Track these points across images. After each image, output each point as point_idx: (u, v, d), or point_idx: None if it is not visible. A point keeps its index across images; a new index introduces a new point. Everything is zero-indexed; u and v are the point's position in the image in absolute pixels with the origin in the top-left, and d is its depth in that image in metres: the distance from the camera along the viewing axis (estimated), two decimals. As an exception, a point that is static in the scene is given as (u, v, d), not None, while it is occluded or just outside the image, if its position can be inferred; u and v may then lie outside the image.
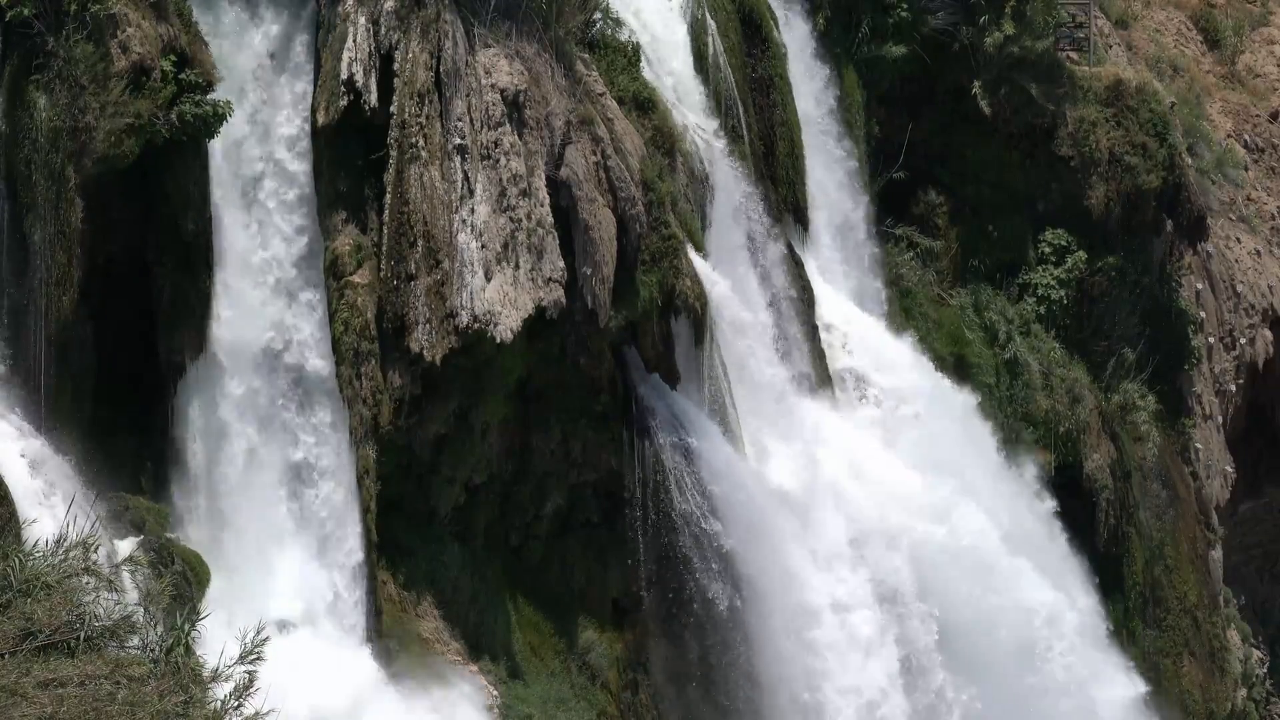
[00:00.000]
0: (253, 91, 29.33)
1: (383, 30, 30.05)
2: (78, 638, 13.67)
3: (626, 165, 32.37)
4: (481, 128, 30.60)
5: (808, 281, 38.44)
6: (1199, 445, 48.36)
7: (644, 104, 34.71)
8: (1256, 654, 51.26)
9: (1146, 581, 45.40)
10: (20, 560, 14.45)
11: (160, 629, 14.21)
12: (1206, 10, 57.32)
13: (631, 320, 32.88)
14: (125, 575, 19.08)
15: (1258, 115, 55.87)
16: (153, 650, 14.00)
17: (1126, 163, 45.28)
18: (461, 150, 30.33)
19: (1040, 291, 44.63)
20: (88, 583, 14.51)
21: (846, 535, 36.17)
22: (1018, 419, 42.99)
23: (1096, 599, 42.15)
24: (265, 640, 13.54)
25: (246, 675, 13.28)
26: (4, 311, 26.44)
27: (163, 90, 26.69)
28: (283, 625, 28.14)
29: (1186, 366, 47.45)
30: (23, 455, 25.57)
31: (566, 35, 32.40)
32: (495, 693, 30.92)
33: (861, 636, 35.62)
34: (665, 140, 34.94)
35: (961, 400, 41.61)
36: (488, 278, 30.16)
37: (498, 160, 30.64)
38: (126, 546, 25.75)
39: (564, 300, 30.93)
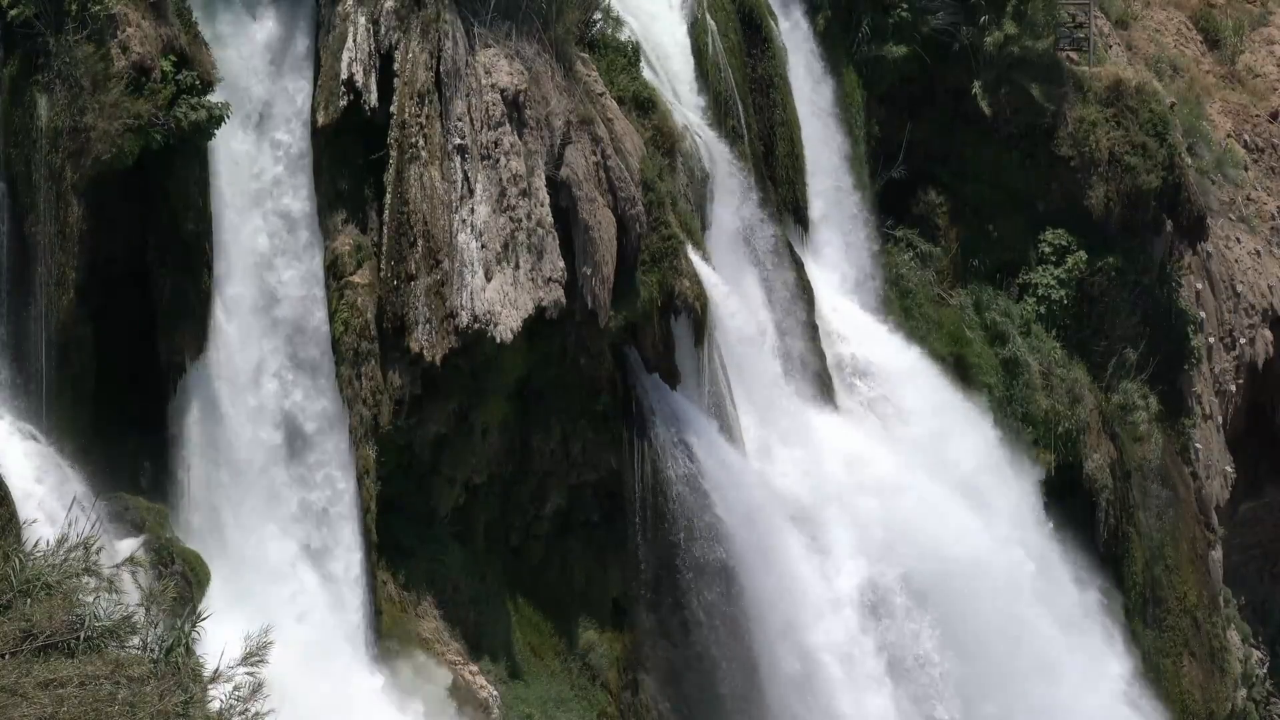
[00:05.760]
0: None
1: (383, 30, 30.05)
2: (78, 638, 13.67)
3: (626, 165, 32.37)
4: (481, 128, 30.60)
5: (807, 281, 38.44)
6: (1199, 445, 48.33)
7: (644, 104, 34.72)
8: (1256, 654, 51.24)
9: (1146, 581, 45.38)
10: (21, 561, 14.45)
11: (160, 629, 14.20)
12: (1206, 10, 57.28)
13: (631, 320, 32.88)
14: (125, 576, 19.06)
15: (1258, 115, 55.84)
16: (153, 650, 13.99)
17: (1126, 163, 45.26)
18: (461, 150, 30.33)
19: (1040, 291, 44.62)
20: (88, 583, 14.50)
21: (846, 535, 36.17)
22: (1018, 419, 42.98)
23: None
24: (270, 644, 13.53)
25: (252, 678, 13.26)
26: (4, 311, 26.43)
27: (162, 91, 26.70)
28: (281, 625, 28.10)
29: (1186, 366, 47.43)
30: (23, 455, 25.55)
31: (566, 35, 32.40)
32: (495, 693, 30.92)
33: (860, 637, 35.63)
34: (665, 140, 34.95)
35: (962, 400, 41.64)
36: (488, 278, 30.16)
37: (498, 160, 30.64)
38: (126, 547, 25.72)
39: (564, 300, 30.93)
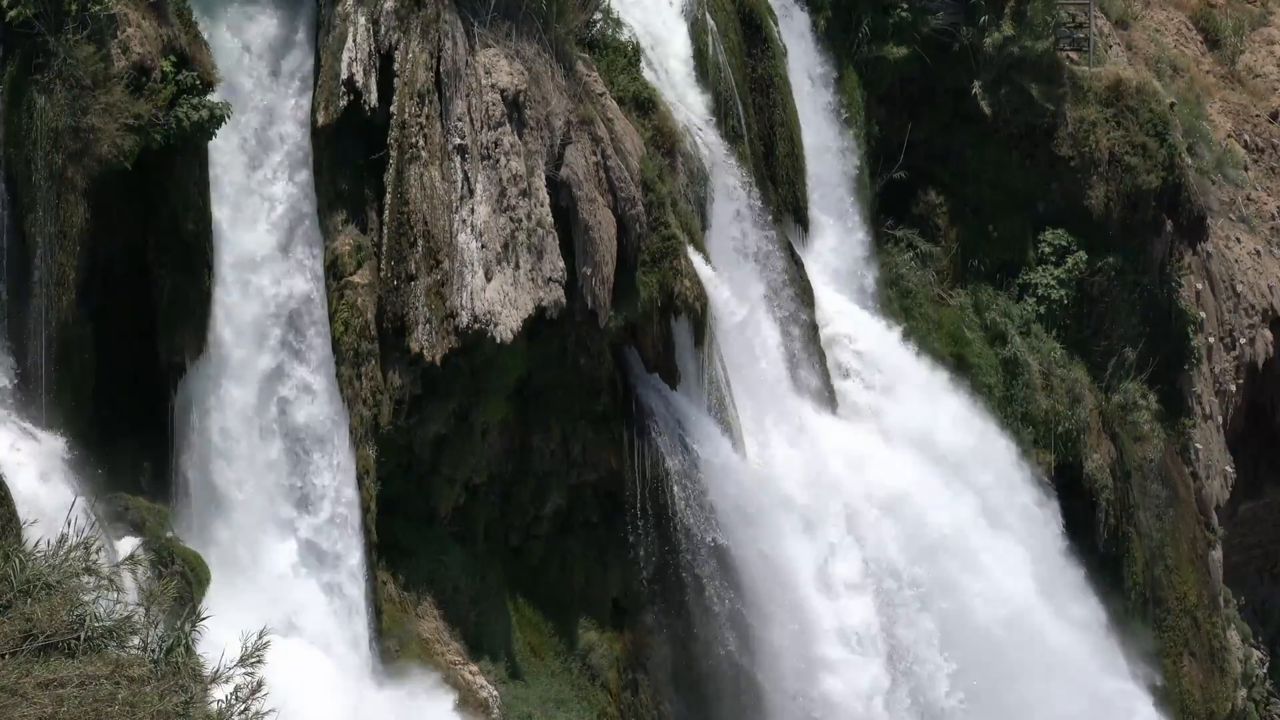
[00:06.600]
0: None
1: (382, 30, 30.05)
2: (78, 638, 13.66)
3: (626, 165, 32.38)
4: (481, 128, 30.60)
5: (807, 281, 38.45)
6: (1199, 445, 48.33)
7: (644, 104, 34.72)
8: (1256, 654, 51.25)
9: (1146, 581, 45.38)
10: (21, 561, 14.44)
11: (160, 629, 14.19)
12: (1206, 10, 57.27)
13: (631, 320, 32.88)
14: (126, 575, 19.04)
15: (1258, 115, 55.83)
16: (153, 651, 13.98)
17: (1126, 163, 45.27)
18: (461, 150, 30.33)
19: (1040, 291, 44.62)
20: (88, 583, 14.49)
21: (845, 534, 36.17)
22: (1018, 419, 42.99)
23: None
24: (267, 643, 13.51)
25: (251, 679, 13.25)
26: (4, 312, 26.42)
27: (163, 91, 26.70)
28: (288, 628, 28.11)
29: (1186, 366, 47.44)
30: (23, 455, 25.52)
31: (566, 35, 32.41)
32: (495, 693, 30.91)
33: (860, 635, 35.62)
34: (665, 140, 34.95)
35: (961, 400, 41.65)
36: (488, 278, 30.16)
37: (498, 160, 30.65)
38: (126, 547, 25.72)
39: (564, 300, 30.93)
